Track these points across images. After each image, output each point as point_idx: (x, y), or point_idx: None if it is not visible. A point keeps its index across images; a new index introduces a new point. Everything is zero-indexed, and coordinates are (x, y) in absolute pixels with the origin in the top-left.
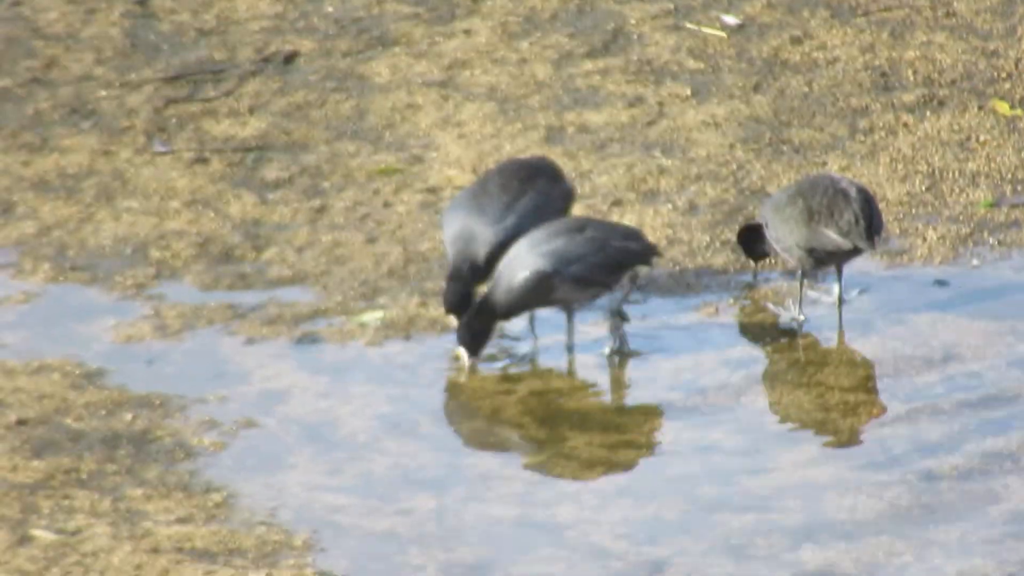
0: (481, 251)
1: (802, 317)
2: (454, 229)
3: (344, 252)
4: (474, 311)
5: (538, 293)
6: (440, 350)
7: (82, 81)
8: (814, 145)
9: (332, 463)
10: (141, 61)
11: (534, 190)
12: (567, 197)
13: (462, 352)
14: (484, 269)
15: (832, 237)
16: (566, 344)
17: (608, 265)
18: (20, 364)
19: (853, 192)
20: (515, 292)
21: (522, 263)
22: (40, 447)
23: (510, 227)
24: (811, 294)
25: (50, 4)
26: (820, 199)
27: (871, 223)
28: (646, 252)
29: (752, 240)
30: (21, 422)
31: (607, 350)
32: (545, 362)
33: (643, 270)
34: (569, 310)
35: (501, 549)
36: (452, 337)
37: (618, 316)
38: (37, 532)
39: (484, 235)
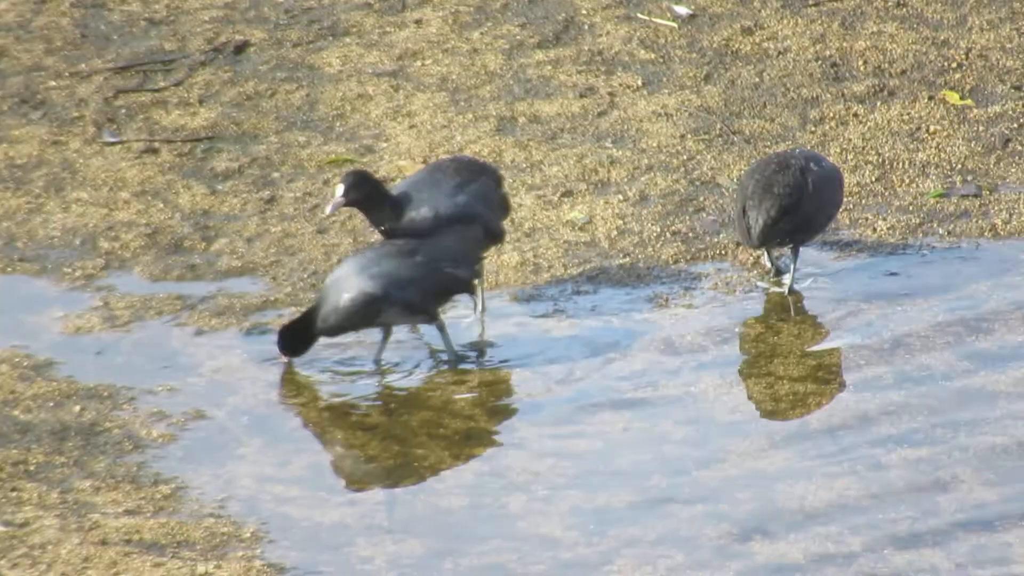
0: (425, 216)
1: (780, 287)
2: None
3: (294, 243)
4: (297, 324)
5: (364, 316)
6: (391, 341)
7: (32, 71)
8: (765, 135)
9: (281, 454)
10: (91, 51)
11: (481, 182)
12: (504, 203)
13: (282, 358)
14: (422, 233)
15: (738, 224)
16: (375, 358)
17: (438, 291)
18: None
19: (777, 188)
20: (340, 313)
21: (350, 284)
22: None
23: (460, 204)
24: (760, 284)
25: None
26: (753, 186)
27: (769, 227)
28: (472, 280)
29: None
30: None
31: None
32: (494, 353)
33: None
34: (387, 330)
35: (451, 540)
36: (402, 329)
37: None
38: None
39: (433, 202)
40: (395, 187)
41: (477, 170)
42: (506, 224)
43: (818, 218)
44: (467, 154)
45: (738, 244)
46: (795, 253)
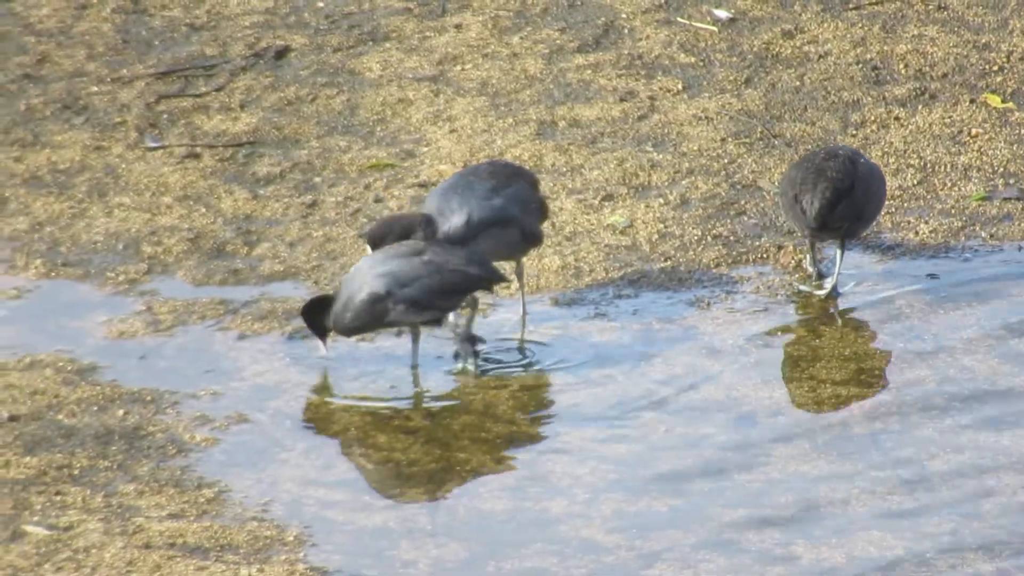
0: (460, 221)
1: (822, 291)
2: (437, 203)
3: (336, 247)
4: (320, 317)
5: (373, 315)
6: (431, 345)
7: (74, 77)
8: (806, 139)
9: (324, 458)
10: (133, 57)
11: (518, 185)
12: (542, 207)
13: (316, 340)
14: (458, 238)
15: (791, 212)
16: (411, 363)
17: (444, 289)
18: (12, 360)
19: (830, 172)
20: (351, 312)
21: (360, 284)
22: (32, 443)
23: (496, 207)
24: (803, 288)
25: (42, 0)
26: (804, 173)
27: (826, 209)
28: (487, 278)
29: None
30: (13, 418)
31: (455, 368)
32: (536, 357)
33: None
34: (414, 332)
35: (493, 544)
36: (444, 333)
37: (467, 341)
38: (29, 528)
39: (467, 208)
40: (429, 194)
41: (512, 174)
42: (547, 228)
43: (868, 207)
44: (506, 158)
45: (779, 247)
46: (841, 251)
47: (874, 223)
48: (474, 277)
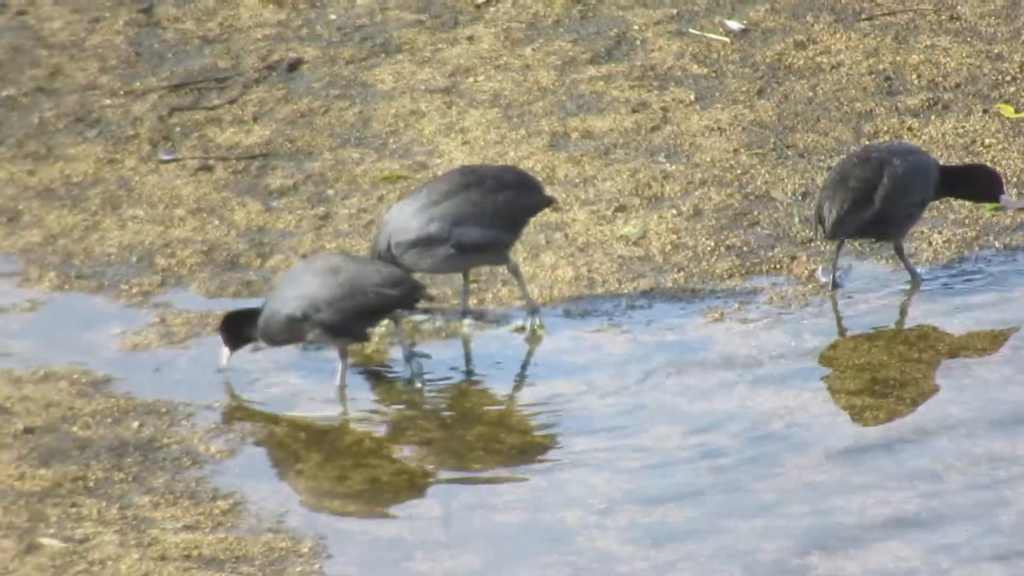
0: (382, 245)
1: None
2: (382, 223)
3: None
4: (243, 328)
5: (292, 333)
6: (445, 357)
7: (87, 90)
8: (819, 150)
9: (339, 469)
10: (145, 69)
11: (465, 195)
12: (508, 211)
13: (223, 349)
14: (389, 258)
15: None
16: (338, 383)
17: (360, 311)
18: (27, 372)
19: (851, 181)
20: (274, 327)
21: (280, 302)
22: (47, 455)
23: (413, 229)
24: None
25: (55, 13)
26: (828, 179)
27: (833, 216)
28: (406, 297)
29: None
30: (28, 430)
31: (406, 381)
32: (549, 368)
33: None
34: (340, 350)
35: (508, 555)
36: (458, 344)
37: (415, 358)
38: (45, 540)
39: (386, 231)
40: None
41: (473, 181)
42: (559, 238)
43: (895, 210)
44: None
45: (793, 258)
46: (897, 252)
47: (912, 218)
48: (391, 298)
